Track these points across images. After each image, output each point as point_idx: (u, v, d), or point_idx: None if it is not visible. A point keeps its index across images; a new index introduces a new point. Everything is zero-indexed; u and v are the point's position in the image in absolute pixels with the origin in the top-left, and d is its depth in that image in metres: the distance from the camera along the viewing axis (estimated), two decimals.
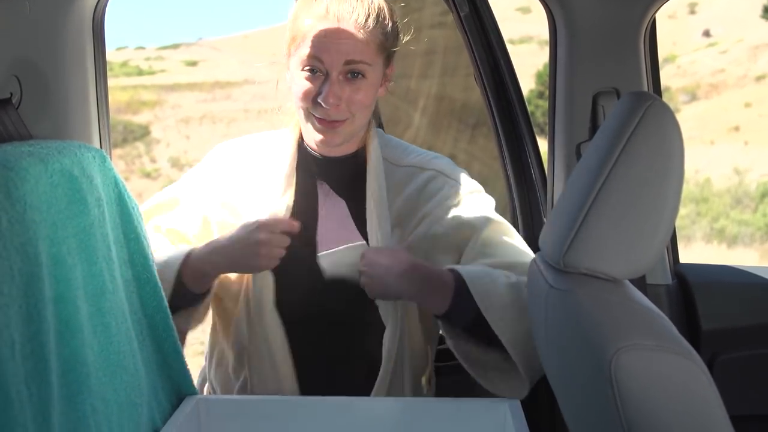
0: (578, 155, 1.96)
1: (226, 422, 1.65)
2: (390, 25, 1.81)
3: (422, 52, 3.56)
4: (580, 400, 1.26)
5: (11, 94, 1.64)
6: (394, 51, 1.86)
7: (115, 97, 28.74)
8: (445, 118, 3.56)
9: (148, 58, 35.08)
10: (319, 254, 1.85)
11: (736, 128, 24.44)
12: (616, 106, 1.31)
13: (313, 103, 1.77)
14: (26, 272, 1.19)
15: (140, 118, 29.27)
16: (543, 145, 2.16)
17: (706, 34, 31.42)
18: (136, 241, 1.57)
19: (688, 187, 20.04)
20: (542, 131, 2.15)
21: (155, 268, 1.62)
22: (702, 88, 27.48)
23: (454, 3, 2.18)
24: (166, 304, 1.63)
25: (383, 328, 1.82)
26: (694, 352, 1.16)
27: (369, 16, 1.76)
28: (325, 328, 1.85)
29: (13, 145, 1.40)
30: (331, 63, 1.74)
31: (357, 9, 1.76)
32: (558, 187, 2.03)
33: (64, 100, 1.72)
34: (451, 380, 2.19)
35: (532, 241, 2.16)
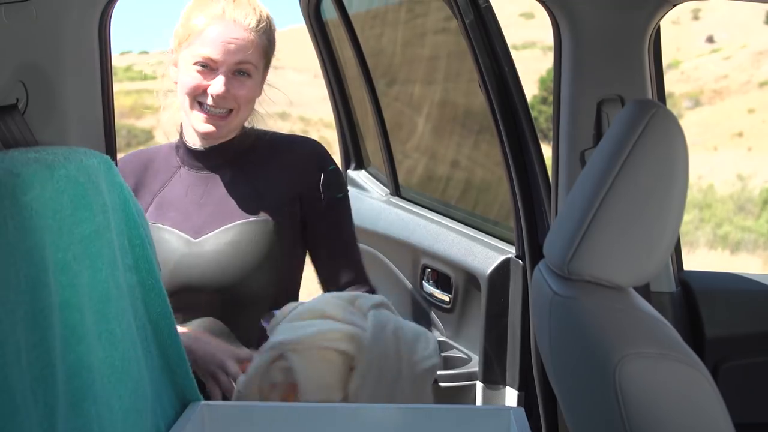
0: (582, 162, 1.97)
1: (230, 428, 1.65)
2: (273, 34, 2.01)
3: (426, 57, 3.56)
4: (584, 408, 1.26)
5: (17, 99, 1.64)
6: (271, 59, 2.04)
7: (119, 102, 28.65)
8: (448, 124, 3.56)
9: (152, 63, 35.12)
10: (198, 238, 1.98)
11: (740, 134, 24.42)
12: (621, 113, 1.31)
13: (202, 93, 1.93)
14: (32, 278, 1.19)
15: (144, 123, 29.27)
16: (547, 151, 2.16)
17: (710, 40, 31.43)
18: (141, 247, 1.57)
19: (692, 193, 20.01)
20: (546, 137, 2.16)
21: (160, 274, 1.63)
22: (705, 94, 27.48)
23: (458, 9, 2.18)
24: (171, 310, 1.63)
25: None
26: (698, 359, 1.16)
27: (259, 22, 1.95)
28: (218, 305, 1.98)
29: (19, 151, 1.41)
30: (224, 62, 1.91)
31: (250, 15, 1.94)
32: (562, 194, 2.03)
33: (70, 106, 1.72)
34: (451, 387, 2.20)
35: (536, 248, 2.16)
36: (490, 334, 2.28)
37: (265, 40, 1.98)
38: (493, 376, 2.28)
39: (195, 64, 1.93)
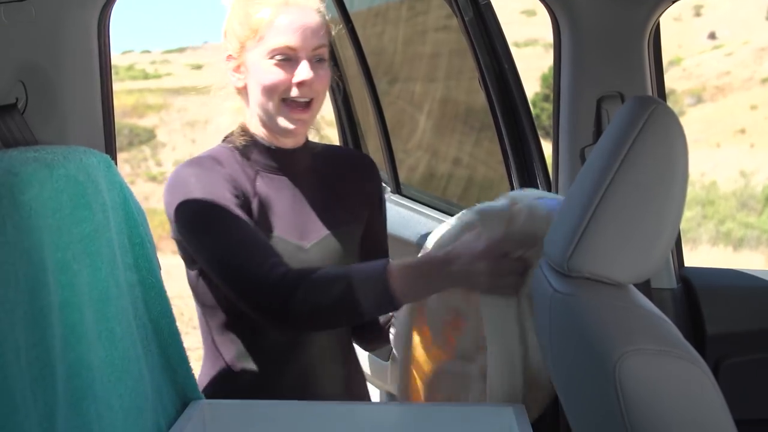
0: (582, 159, 1.97)
1: (231, 427, 1.65)
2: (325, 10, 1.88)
3: (427, 55, 3.56)
4: (584, 405, 1.26)
5: (17, 99, 1.64)
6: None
7: (120, 101, 28.78)
8: (450, 122, 3.56)
9: (153, 62, 35.14)
10: (307, 245, 1.88)
11: (742, 131, 24.40)
12: (620, 110, 1.31)
13: (285, 87, 1.80)
14: (31, 277, 1.19)
15: (146, 122, 29.32)
16: (549, 148, 2.16)
17: (712, 36, 31.38)
18: (141, 246, 1.57)
19: (694, 189, 20.01)
20: (548, 134, 2.16)
21: (160, 273, 1.63)
22: (708, 91, 27.45)
23: (458, 7, 2.18)
24: (171, 308, 1.63)
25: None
26: (699, 356, 1.16)
27: (322, 6, 1.85)
28: None
29: (18, 150, 1.41)
30: (303, 48, 1.79)
31: None
32: (562, 191, 2.03)
33: (70, 105, 1.72)
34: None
35: None
36: None
37: (327, 20, 1.86)
38: None
39: (272, 57, 1.79)
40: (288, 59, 1.79)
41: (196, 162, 1.85)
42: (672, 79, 25.99)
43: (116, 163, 1.69)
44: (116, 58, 32.92)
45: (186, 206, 1.78)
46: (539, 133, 2.24)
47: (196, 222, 1.78)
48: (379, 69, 3.29)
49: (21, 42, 1.65)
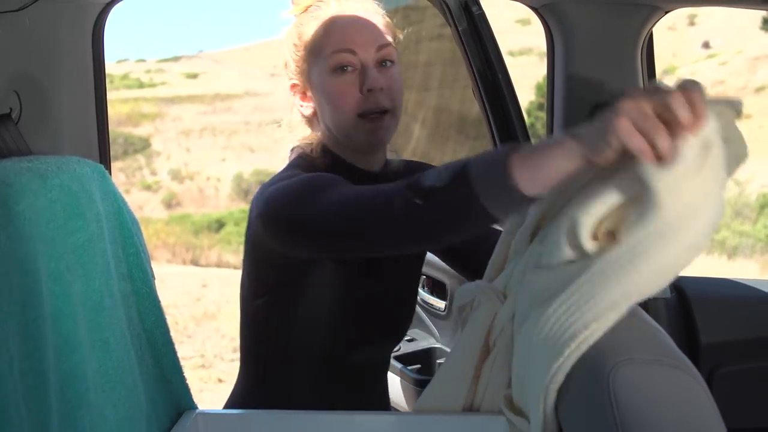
0: None
1: None
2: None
3: (422, 64, 3.57)
4: (578, 414, 1.26)
5: (11, 109, 1.64)
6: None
7: (115, 110, 28.79)
8: (444, 130, 3.56)
9: (148, 71, 35.16)
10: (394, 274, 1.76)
11: None
12: None
13: (356, 101, 1.65)
14: (24, 288, 1.19)
15: (141, 131, 29.32)
16: None
17: (706, 45, 31.47)
18: (135, 256, 1.57)
19: None
20: None
21: (154, 282, 1.62)
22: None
23: (451, 16, 2.19)
24: (165, 318, 1.63)
25: None
26: (692, 365, 1.16)
27: (378, 2, 1.70)
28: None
29: (12, 160, 1.41)
30: (364, 50, 1.64)
31: None
32: None
33: (64, 115, 1.72)
34: None
35: None
36: None
37: (385, 15, 1.71)
38: None
39: (334, 71, 1.64)
40: (352, 69, 1.64)
41: (294, 167, 1.69)
42: None
43: (110, 173, 1.70)
44: (111, 67, 32.94)
45: (290, 187, 1.56)
46: (534, 142, 2.24)
47: (304, 192, 1.54)
48: None
49: (15, 52, 1.66)
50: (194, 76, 34.74)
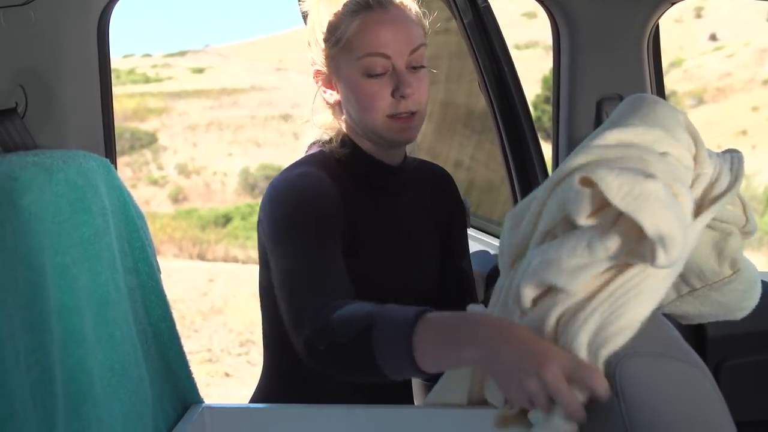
0: None
1: (232, 431, 1.64)
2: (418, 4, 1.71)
3: (428, 57, 3.57)
4: (585, 407, 1.26)
5: (16, 103, 1.65)
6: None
7: (122, 105, 28.80)
8: (451, 124, 3.56)
9: (155, 66, 35.17)
10: (412, 275, 1.79)
11: (744, 132, 24.37)
12: (617, 108, 1.31)
13: (389, 104, 1.65)
14: (30, 282, 1.19)
15: (147, 126, 29.33)
16: (549, 150, 2.16)
17: (713, 38, 31.37)
18: (141, 250, 1.57)
19: None
20: (549, 136, 2.16)
21: (160, 277, 1.62)
22: (709, 92, 27.43)
23: (457, 9, 2.18)
24: (171, 312, 1.63)
25: None
26: (699, 359, 1.16)
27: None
28: None
29: (17, 155, 1.41)
30: (397, 54, 1.63)
31: None
32: None
33: (69, 109, 1.72)
34: None
35: None
36: None
37: (419, 15, 1.69)
38: None
39: (366, 73, 1.63)
40: (384, 72, 1.63)
41: (307, 164, 1.70)
42: (673, 81, 25.97)
43: (116, 167, 1.69)
44: (117, 62, 32.97)
45: (286, 203, 1.61)
46: (541, 135, 2.24)
47: (288, 224, 1.58)
48: None
49: (20, 46, 1.66)
50: (200, 70, 34.74)
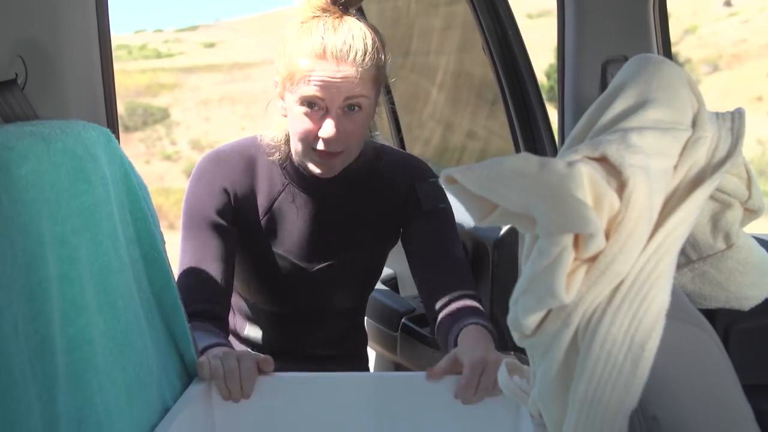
0: None
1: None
2: (383, 58, 1.84)
3: (440, 28, 3.54)
4: None
5: (16, 74, 1.63)
6: (384, 82, 1.89)
7: (134, 81, 28.80)
8: (463, 94, 3.54)
9: (166, 41, 35.10)
10: (313, 268, 2.00)
11: (759, 98, 24.17)
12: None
13: (313, 138, 1.82)
14: (28, 252, 1.18)
15: (160, 101, 29.32)
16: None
17: (728, 3, 31.05)
18: (143, 221, 1.57)
19: None
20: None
21: (163, 247, 1.62)
22: (724, 59, 27.19)
23: None
24: (174, 282, 1.63)
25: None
26: (705, 320, 1.14)
27: (366, 52, 1.78)
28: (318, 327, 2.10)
29: (16, 125, 1.40)
30: (331, 101, 1.78)
31: (354, 47, 1.77)
32: None
33: (70, 80, 1.71)
34: None
35: None
36: (498, 300, 2.27)
37: (374, 70, 1.82)
38: (500, 342, 2.27)
39: (301, 105, 1.82)
40: (315, 108, 1.81)
41: (223, 155, 1.96)
42: (688, 48, 25.75)
43: (119, 138, 1.68)
44: (129, 38, 32.95)
45: (185, 200, 1.96)
46: (554, 105, 2.22)
47: (182, 221, 1.95)
48: (392, 42, 3.27)
49: (19, 16, 1.64)
50: (212, 45, 34.65)
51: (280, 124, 1.95)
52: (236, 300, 2.13)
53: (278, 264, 1.99)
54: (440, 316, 1.88)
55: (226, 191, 1.93)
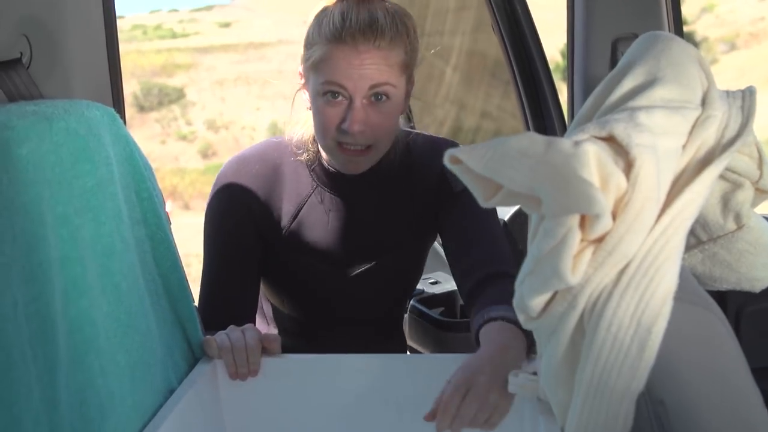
0: None
1: (243, 381, 1.63)
2: (411, 41, 1.70)
3: (454, 8, 3.52)
4: None
5: (21, 53, 1.62)
6: (415, 64, 1.74)
7: (150, 61, 28.81)
8: (477, 74, 3.53)
9: (181, 21, 35.05)
10: (351, 273, 1.89)
11: None
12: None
13: (337, 131, 1.68)
14: (28, 232, 1.17)
15: (175, 81, 29.31)
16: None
17: None
18: (149, 201, 1.55)
19: None
20: None
21: (170, 228, 1.61)
22: (741, 38, 26.96)
23: None
24: (181, 263, 1.61)
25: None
26: (713, 302, 1.13)
27: (392, 36, 1.64)
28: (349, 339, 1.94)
29: (18, 104, 1.39)
30: (354, 89, 1.64)
31: (378, 29, 1.63)
32: None
33: (75, 59, 1.69)
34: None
35: None
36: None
37: (402, 55, 1.67)
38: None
39: (324, 94, 1.67)
40: (338, 97, 1.66)
41: (245, 162, 1.84)
42: (705, 26, 25.54)
43: (124, 119, 1.67)
44: (144, 18, 32.92)
45: (207, 208, 1.85)
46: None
47: (204, 233, 1.85)
48: None
49: None
50: (227, 25, 34.60)
51: (308, 120, 1.81)
52: (267, 309, 2.06)
53: (312, 270, 1.88)
54: (471, 302, 1.74)
55: (248, 203, 1.82)
